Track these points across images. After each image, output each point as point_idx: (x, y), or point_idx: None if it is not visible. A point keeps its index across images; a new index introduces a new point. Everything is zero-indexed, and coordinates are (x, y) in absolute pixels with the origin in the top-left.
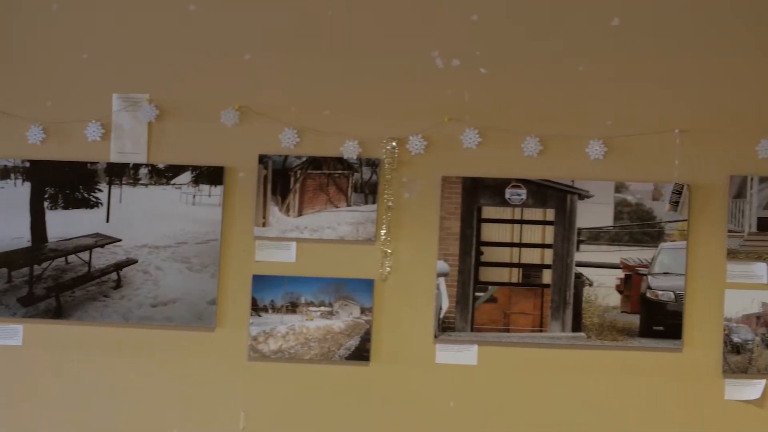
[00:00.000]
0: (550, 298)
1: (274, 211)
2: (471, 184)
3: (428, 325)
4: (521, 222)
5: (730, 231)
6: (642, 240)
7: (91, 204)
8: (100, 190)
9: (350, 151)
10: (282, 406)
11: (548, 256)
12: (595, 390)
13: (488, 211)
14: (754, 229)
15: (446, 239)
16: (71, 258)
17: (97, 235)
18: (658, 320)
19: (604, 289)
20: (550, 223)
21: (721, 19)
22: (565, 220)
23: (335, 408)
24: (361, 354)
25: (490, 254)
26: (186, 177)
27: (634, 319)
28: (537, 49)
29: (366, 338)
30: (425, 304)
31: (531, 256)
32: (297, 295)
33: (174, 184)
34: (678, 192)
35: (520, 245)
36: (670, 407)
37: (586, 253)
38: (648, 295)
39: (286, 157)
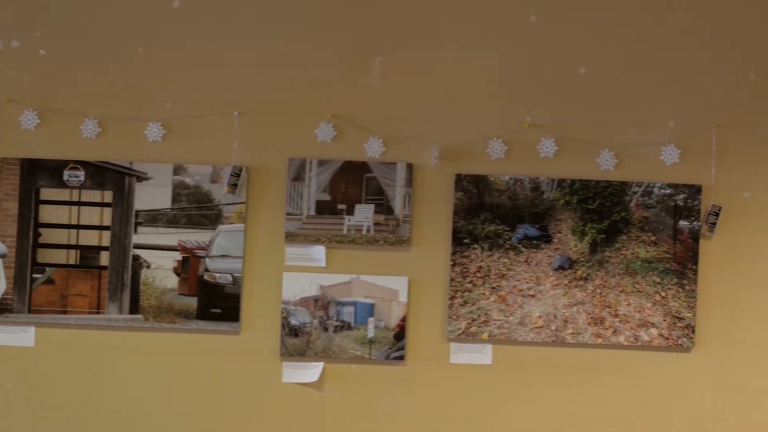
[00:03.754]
0: (108, 280)
1: None
2: (29, 166)
3: None
4: (79, 204)
5: (288, 214)
6: (200, 222)
7: None
8: None
9: None
10: None
11: (106, 238)
12: (152, 372)
13: (46, 193)
14: (312, 212)
15: (4, 221)
16: None
17: None
18: (216, 303)
19: (161, 272)
20: (108, 205)
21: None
22: (123, 202)
23: None
24: None
25: (48, 236)
26: None
27: (192, 302)
28: (98, 31)
29: None
30: None
31: (89, 238)
32: None
33: None
34: (236, 174)
35: (78, 227)
36: (228, 390)
37: (144, 236)
38: (205, 277)
39: None
